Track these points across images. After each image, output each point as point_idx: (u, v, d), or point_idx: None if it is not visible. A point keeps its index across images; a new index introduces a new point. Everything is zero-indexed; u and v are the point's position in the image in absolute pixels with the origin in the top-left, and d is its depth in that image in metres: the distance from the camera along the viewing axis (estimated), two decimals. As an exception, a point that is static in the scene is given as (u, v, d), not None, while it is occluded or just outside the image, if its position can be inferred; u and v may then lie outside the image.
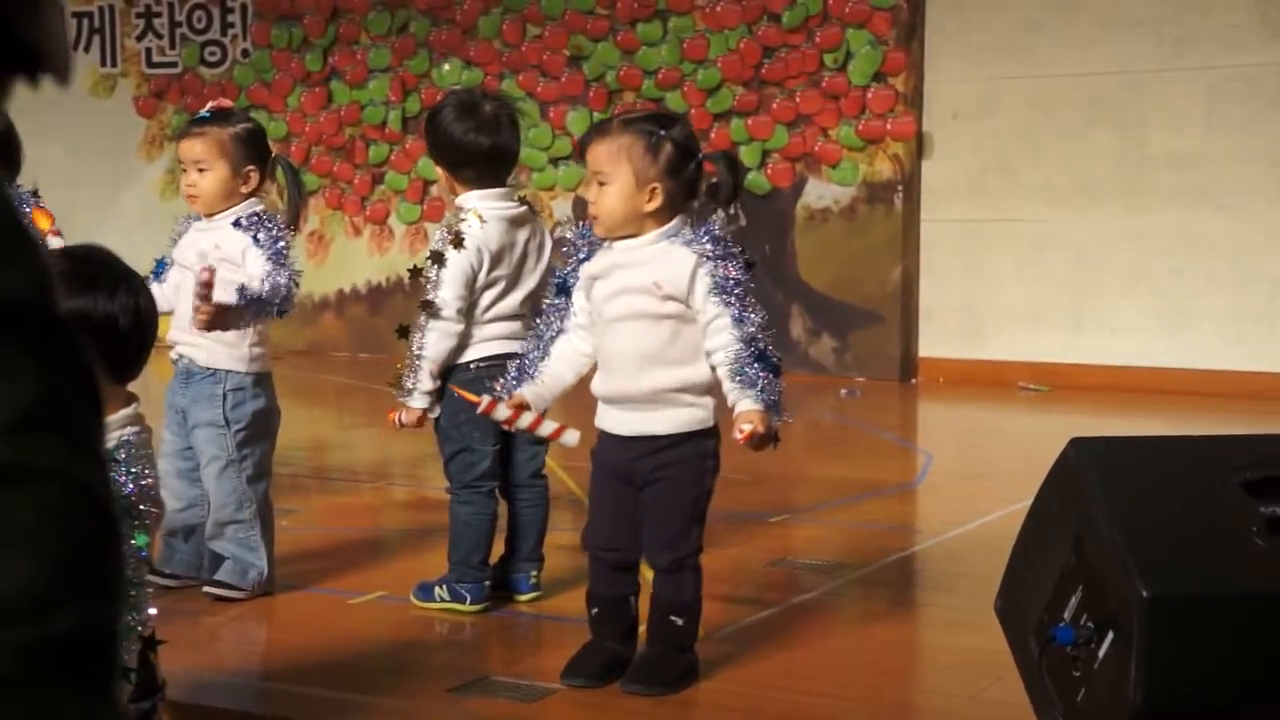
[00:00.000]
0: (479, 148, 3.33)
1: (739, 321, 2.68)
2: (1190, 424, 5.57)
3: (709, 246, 2.72)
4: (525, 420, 2.89)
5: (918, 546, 4.21)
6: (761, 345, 2.69)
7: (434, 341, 3.27)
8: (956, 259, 7.70)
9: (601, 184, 2.76)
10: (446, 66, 8.60)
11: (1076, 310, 7.46)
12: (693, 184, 2.78)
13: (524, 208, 3.42)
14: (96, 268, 2.25)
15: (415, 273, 3.34)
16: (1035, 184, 7.51)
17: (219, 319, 3.27)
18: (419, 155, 8.69)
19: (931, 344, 7.78)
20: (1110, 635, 2.33)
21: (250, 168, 3.48)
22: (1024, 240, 7.56)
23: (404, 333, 3.33)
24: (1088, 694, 2.39)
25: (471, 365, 3.31)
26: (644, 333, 2.76)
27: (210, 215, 3.49)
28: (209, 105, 3.62)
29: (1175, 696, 2.28)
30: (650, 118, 2.83)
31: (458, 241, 3.26)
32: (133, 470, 2.14)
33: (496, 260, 3.32)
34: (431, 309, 3.26)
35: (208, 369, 3.44)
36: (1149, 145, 7.26)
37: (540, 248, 3.43)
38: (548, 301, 2.95)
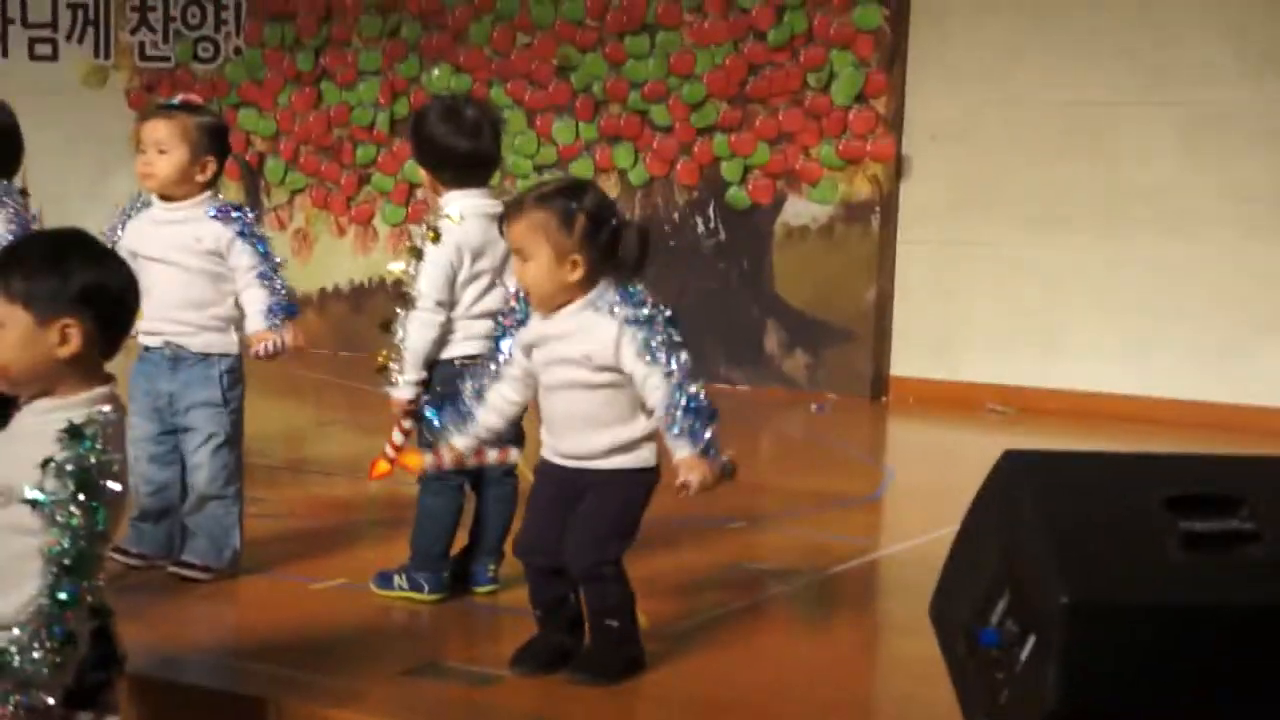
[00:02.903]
0: (458, 150, 3.45)
1: (667, 376, 2.82)
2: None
3: (630, 311, 2.85)
4: (469, 462, 3.11)
5: (870, 556, 4.31)
6: (691, 392, 2.82)
7: (414, 332, 3.38)
8: (931, 281, 7.81)
9: (524, 260, 2.90)
10: (436, 71, 8.71)
11: (1047, 336, 7.58)
12: (610, 248, 2.89)
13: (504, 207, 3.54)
14: (100, 245, 2.39)
15: (398, 275, 3.47)
16: (1010, 209, 7.63)
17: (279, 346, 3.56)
18: (406, 158, 8.77)
19: (903, 363, 7.89)
20: (1032, 639, 2.43)
21: (209, 158, 3.59)
22: (998, 264, 7.68)
23: (386, 326, 3.44)
24: (1010, 695, 2.49)
25: (456, 362, 3.41)
26: (581, 401, 2.91)
27: (165, 199, 3.58)
28: (179, 96, 3.73)
29: (1090, 699, 2.38)
30: (562, 191, 2.93)
31: (435, 237, 3.39)
32: (99, 446, 2.23)
33: (478, 255, 3.43)
34: (408, 300, 3.38)
35: (201, 354, 3.56)
36: (1123, 175, 7.39)
37: None
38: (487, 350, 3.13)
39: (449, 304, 3.40)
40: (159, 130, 3.57)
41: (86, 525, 2.17)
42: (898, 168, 7.79)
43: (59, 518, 2.16)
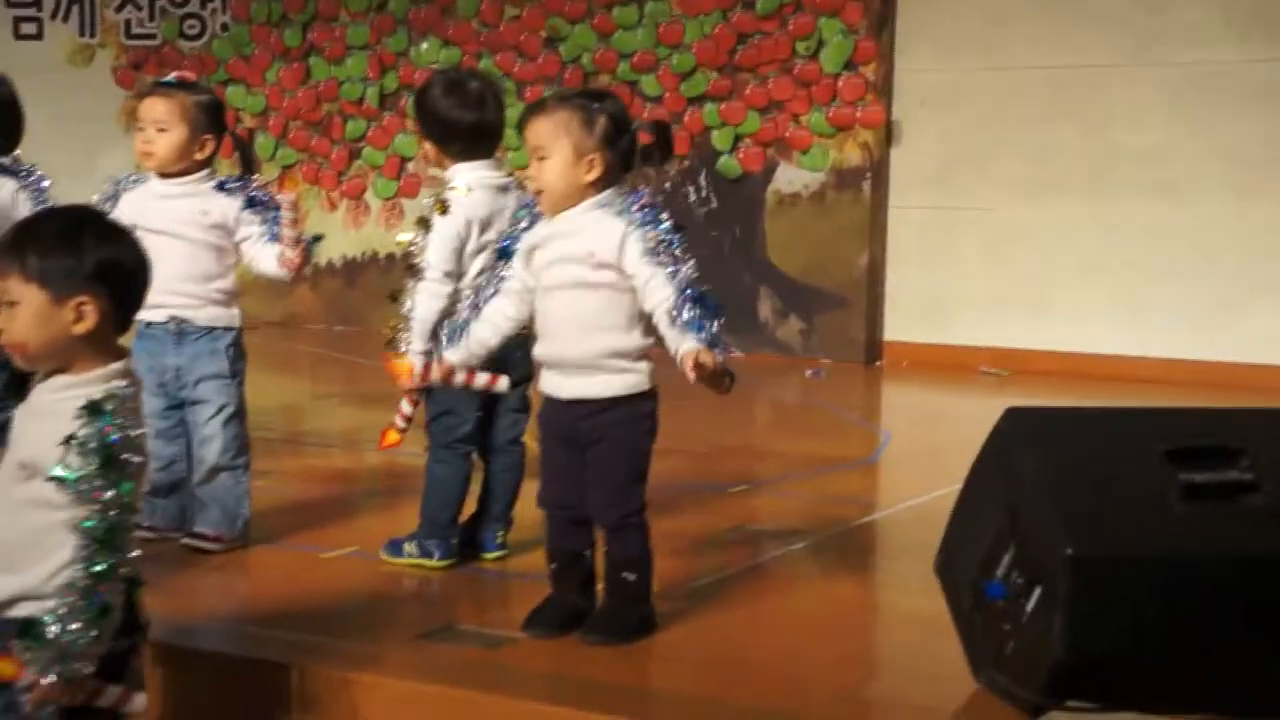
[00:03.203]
0: (464, 123, 3.50)
1: (673, 275, 2.83)
2: (1141, 409, 5.75)
3: (638, 214, 2.88)
4: (459, 379, 3.10)
5: (871, 517, 4.37)
6: (697, 291, 2.83)
7: (422, 303, 3.41)
8: (922, 245, 7.87)
9: (541, 159, 2.92)
10: (425, 45, 8.71)
11: (1038, 298, 7.64)
12: (627, 154, 2.94)
13: (510, 177, 3.58)
14: (113, 222, 2.42)
15: (406, 246, 3.51)
16: (1000, 174, 7.68)
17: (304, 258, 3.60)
18: (396, 132, 8.80)
19: (896, 328, 7.95)
20: (1037, 591, 2.49)
21: (207, 136, 3.64)
22: (988, 228, 7.73)
23: (394, 297, 3.48)
24: (1016, 645, 2.55)
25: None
26: (579, 300, 2.92)
27: (164, 177, 3.61)
28: (173, 74, 3.76)
29: (1095, 648, 2.44)
30: (584, 94, 2.99)
31: (443, 208, 3.43)
32: (118, 421, 2.27)
33: (485, 226, 3.47)
34: (416, 271, 3.42)
35: (206, 328, 3.61)
36: (1112, 139, 7.44)
37: None
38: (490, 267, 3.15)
39: (456, 275, 3.44)
40: (157, 108, 3.60)
41: (114, 499, 2.22)
42: (888, 134, 7.83)
43: (86, 494, 2.20)
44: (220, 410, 3.61)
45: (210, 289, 3.63)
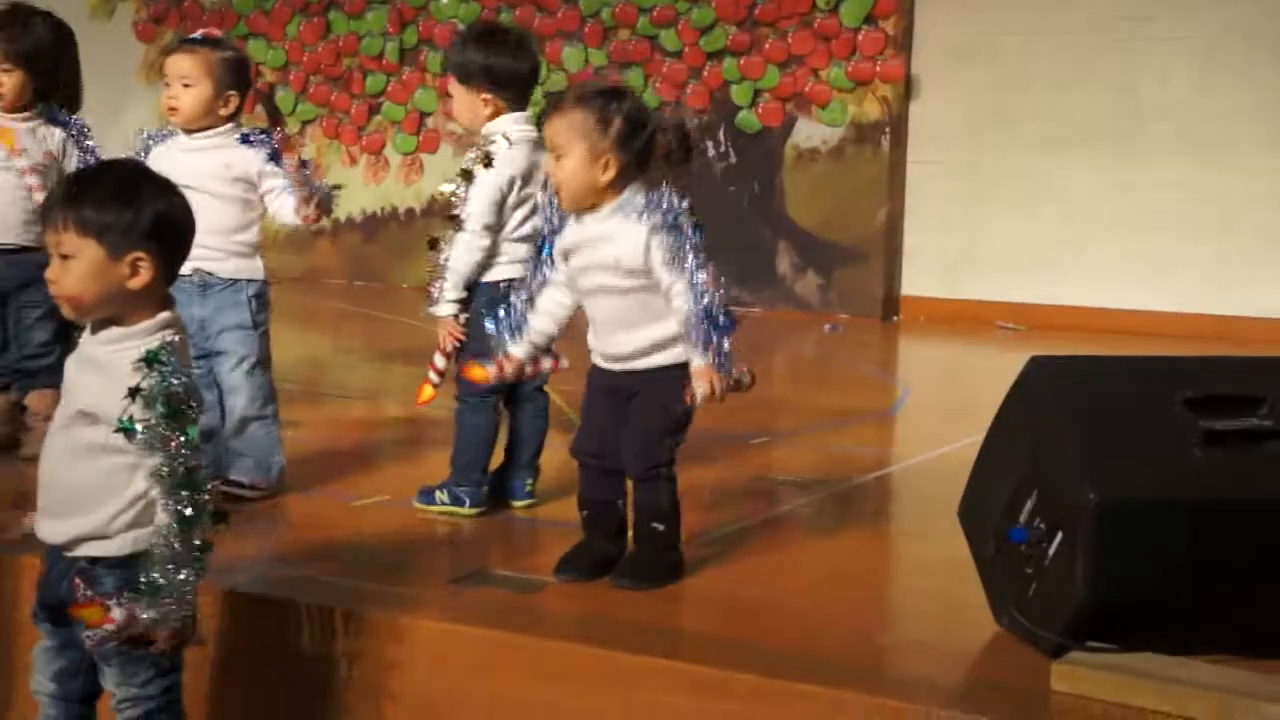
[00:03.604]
0: (521, 70, 3.57)
1: (691, 286, 2.89)
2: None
3: (659, 217, 2.91)
4: (528, 370, 3.21)
5: (890, 468, 4.43)
6: (711, 306, 2.89)
7: (459, 254, 3.47)
8: (940, 201, 7.89)
9: (558, 157, 2.96)
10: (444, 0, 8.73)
11: (1058, 253, 7.66)
12: (644, 154, 2.96)
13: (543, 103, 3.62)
14: (162, 177, 2.47)
15: (444, 194, 3.56)
16: (1019, 129, 7.69)
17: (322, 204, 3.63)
18: (415, 87, 8.83)
19: (914, 283, 7.99)
20: (1060, 535, 2.55)
21: (232, 93, 3.68)
22: (1006, 182, 7.76)
23: (433, 244, 3.54)
24: (1038, 589, 2.61)
25: (500, 285, 3.50)
26: (614, 304, 3.00)
27: (189, 132, 3.66)
28: (200, 31, 3.80)
29: (1116, 591, 2.50)
30: (601, 92, 3.00)
31: (487, 161, 3.48)
32: (175, 369, 2.33)
33: (525, 180, 3.53)
34: (456, 222, 3.47)
35: (230, 280, 3.66)
36: (1137, 94, 7.44)
37: None
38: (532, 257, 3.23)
39: (495, 228, 3.50)
40: (183, 64, 3.65)
41: (183, 443, 2.29)
42: (907, 88, 7.84)
43: (156, 443, 2.27)
44: (242, 361, 3.66)
45: (234, 241, 3.67)
